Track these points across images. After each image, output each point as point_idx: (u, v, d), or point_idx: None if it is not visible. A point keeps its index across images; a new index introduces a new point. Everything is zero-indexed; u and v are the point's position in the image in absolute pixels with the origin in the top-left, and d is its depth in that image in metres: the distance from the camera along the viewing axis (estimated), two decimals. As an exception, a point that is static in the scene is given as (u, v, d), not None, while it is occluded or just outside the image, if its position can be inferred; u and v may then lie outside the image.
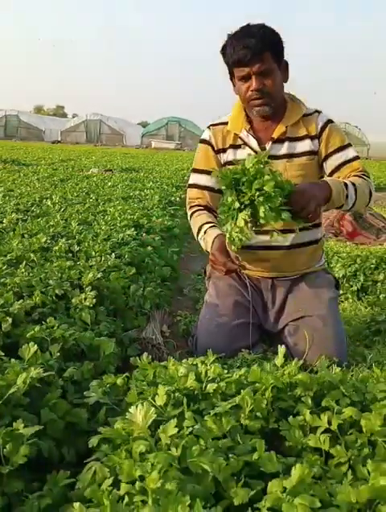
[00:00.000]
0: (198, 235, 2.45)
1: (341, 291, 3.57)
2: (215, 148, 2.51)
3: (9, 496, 1.13)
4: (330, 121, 2.44)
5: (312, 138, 2.42)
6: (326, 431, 1.25)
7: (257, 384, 1.41)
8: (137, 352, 2.19)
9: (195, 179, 2.58)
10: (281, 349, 1.59)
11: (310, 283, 2.54)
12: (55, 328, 1.82)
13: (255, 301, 2.54)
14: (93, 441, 1.22)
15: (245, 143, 2.45)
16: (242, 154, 2.44)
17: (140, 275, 2.93)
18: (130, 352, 2.19)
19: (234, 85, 2.42)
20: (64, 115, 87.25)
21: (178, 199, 6.39)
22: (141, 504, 0.99)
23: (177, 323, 2.94)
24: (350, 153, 2.42)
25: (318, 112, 2.47)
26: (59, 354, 1.66)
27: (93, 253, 2.93)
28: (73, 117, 59.78)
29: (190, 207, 2.57)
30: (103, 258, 2.80)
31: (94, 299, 2.22)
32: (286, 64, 2.37)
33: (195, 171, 2.59)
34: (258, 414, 1.31)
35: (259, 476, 1.12)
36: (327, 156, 2.42)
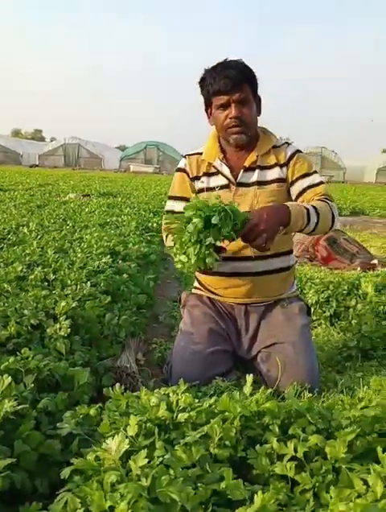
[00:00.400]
0: None
1: (314, 317, 3.64)
2: (190, 175, 2.62)
3: (-19, 529, 1.15)
4: (298, 151, 2.58)
5: (281, 166, 2.53)
6: (293, 458, 1.29)
7: (226, 413, 1.44)
8: (111, 381, 2.21)
9: (170, 205, 2.67)
10: (249, 378, 1.62)
11: (283, 310, 2.60)
12: (29, 358, 1.84)
13: (229, 328, 2.59)
14: (65, 472, 1.24)
15: (218, 171, 2.56)
16: (215, 181, 2.56)
17: (115, 303, 2.95)
18: (105, 381, 2.21)
19: (209, 117, 2.54)
20: (42, 139, 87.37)
21: (154, 225, 6.44)
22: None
23: (152, 350, 2.96)
24: (315, 178, 2.54)
25: (288, 143, 2.61)
26: (33, 385, 1.68)
27: (69, 281, 2.95)
28: (51, 140, 59.82)
29: (165, 230, 2.61)
30: (78, 287, 2.82)
31: (69, 329, 2.24)
32: (260, 98, 2.54)
33: (171, 198, 2.68)
34: (227, 442, 1.35)
35: (227, 504, 1.16)
36: (293, 181, 2.53)
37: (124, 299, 3.11)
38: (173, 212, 2.60)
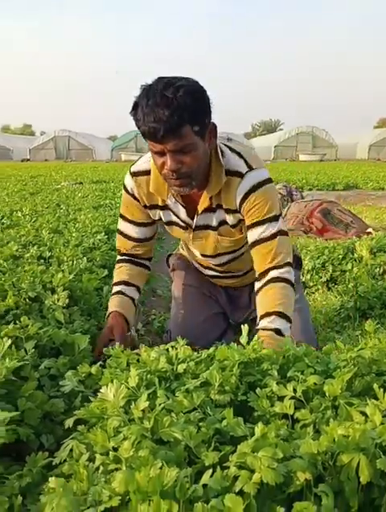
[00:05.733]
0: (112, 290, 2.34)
1: (311, 283, 3.67)
2: (142, 204, 2.26)
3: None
4: (252, 190, 2.06)
5: (234, 211, 2.15)
6: (292, 399, 1.31)
7: (225, 361, 1.47)
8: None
9: (122, 226, 2.35)
10: (245, 327, 1.63)
11: None
12: (28, 326, 1.85)
13: (219, 294, 2.62)
14: (69, 422, 1.26)
15: (173, 212, 2.24)
16: (173, 218, 2.27)
17: (112, 277, 2.97)
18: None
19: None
20: (32, 133, 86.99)
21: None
22: (116, 471, 1.04)
23: (151, 321, 2.99)
24: (268, 228, 2.08)
25: (241, 175, 2.07)
26: (34, 350, 1.70)
27: (65, 258, 2.96)
28: (41, 134, 59.53)
29: (118, 253, 2.43)
30: (75, 262, 2.83)
31: (67, 299, 2.26)
32: (214, 126, 1.94)
33: (123, 217, 2.34)
34: (227, 388, 1.37)
35: (229, 442, 1.18)
36: (248, 226, 2.14)
37: (121, 273, 3.13)
38: (124, 234, 2.35)
